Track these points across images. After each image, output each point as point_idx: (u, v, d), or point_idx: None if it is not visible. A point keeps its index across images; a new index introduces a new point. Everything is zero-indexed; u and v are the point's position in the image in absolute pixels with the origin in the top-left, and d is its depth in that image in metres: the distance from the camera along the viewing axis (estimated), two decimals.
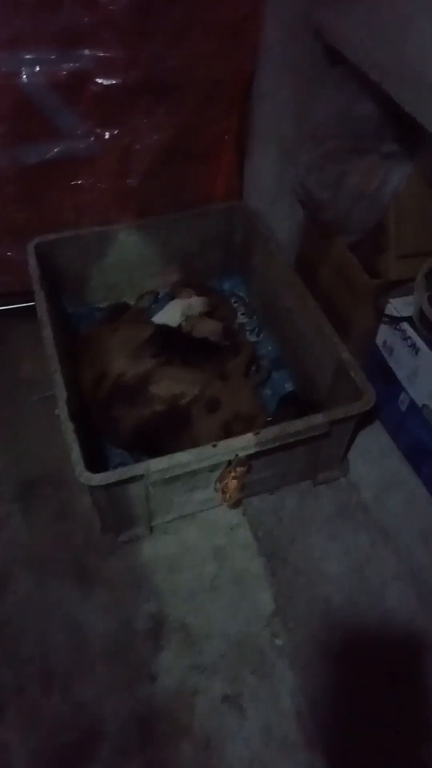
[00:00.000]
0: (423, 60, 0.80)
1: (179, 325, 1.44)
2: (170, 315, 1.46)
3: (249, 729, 0.95)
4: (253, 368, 1.43)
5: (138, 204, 1.43)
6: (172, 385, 1.21)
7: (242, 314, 1.60)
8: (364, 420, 1.29)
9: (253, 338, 1.54)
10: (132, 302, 1.55)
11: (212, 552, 1.14)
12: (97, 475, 0.97)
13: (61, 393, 1.07)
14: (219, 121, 1.37)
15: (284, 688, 0.99)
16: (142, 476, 1.00)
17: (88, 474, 0.96)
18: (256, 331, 1.56)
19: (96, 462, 1.22)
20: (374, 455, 1.30)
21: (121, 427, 1.20)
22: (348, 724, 0.96)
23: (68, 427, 1.02)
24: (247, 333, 1.55)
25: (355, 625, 1.06)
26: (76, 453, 0.99)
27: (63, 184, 1.36)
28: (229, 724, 0.95)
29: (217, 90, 1.31)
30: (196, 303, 1.48)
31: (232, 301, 1.62)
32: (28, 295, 1.30)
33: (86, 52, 1.19)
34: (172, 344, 1.30)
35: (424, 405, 1.16)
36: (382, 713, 0.97)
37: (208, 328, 1.41)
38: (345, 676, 1.00)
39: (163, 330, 1.36)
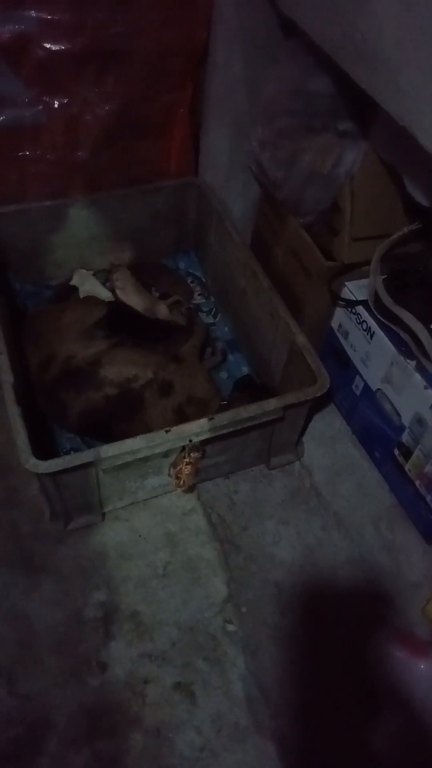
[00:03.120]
0: (376, 34, 0.77)
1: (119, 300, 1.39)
2: (98, 291, 1.41)
3: (200, 716, 0.94)
4: (209, 350, 1.41)
5: (88, 178, 1.38)
6: (125, 368, 1.17)
7: (199, 294, 1.57)
8: (318, 403, 1.28)
9: (209, 319, 1.51)
10: None
11: (165, 538, 1.13)
12: (44, 462, 0.93)
13: (8, 376, 1.02)
14: (172, 93, 1.32)
15: (235, 675, 0.98)
16: (91, 463, 0.97)
17: (35, 461, 0.93)
18: (212, 313, 1.53)
19: (45, 447, 1.19)
20: (328, 439, 1.30)
21: (69, 411, 1.16)
22: (299, 709, 0.96)
23: (14, 412, 0.98)
24: (204, 314, 1.52)
25: (306, 609, 1.06)
26: (22, 439, 0.95)
27: (8, 155, 1.30)
28: (180, 712, 0.94)
29: (169, 60, 1.26)
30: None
31: (189, 281, 1.59)
32: None
33: (31, 13, 1.13)
34: (125, 325, 1.26)
35: (378, 389, 1.15)
36: (333, 697, 0.97)
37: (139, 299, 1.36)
38: (296, 661, 1.00)
39: (116, 310, 1.31)
